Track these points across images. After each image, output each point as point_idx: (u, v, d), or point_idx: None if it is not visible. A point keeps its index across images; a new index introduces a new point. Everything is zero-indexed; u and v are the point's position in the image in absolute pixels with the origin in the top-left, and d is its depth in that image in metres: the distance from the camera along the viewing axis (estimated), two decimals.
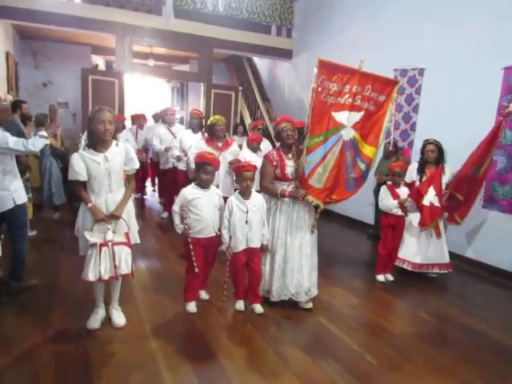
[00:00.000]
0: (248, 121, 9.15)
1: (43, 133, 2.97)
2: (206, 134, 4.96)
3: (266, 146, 5.19)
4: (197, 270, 2.98)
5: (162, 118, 6.24)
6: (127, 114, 7.41)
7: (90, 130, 2.65)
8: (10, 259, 3.28)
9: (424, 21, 5.17)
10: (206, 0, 7.27)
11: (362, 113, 3.19)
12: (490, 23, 4.37)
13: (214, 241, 3.09)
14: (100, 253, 2.50)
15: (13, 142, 2.88)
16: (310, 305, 3.25)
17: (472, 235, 4.55)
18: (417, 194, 3.89)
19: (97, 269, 2.50)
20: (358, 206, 6.24)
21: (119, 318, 2.82)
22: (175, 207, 3.01)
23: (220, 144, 4.58)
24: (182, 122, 9.90)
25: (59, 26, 6.56)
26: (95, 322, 2.75)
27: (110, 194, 2.68)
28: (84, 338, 2.61)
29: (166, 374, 2.29)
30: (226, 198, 3.20)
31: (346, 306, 3.38)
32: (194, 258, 2.97)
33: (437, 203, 3.83)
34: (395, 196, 3.88)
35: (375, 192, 5.13)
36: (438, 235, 3.98)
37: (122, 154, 2.72)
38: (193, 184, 3.07)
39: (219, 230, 3.07)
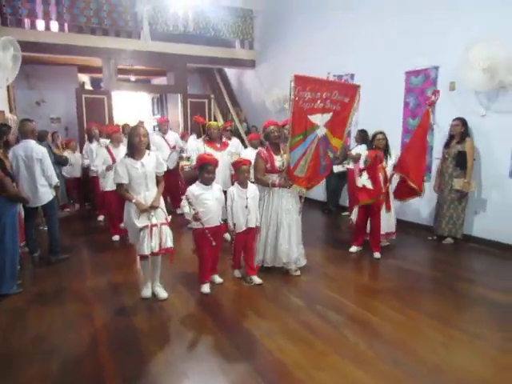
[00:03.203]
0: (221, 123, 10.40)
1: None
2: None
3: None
4: (214, 243, 3.43)
5: (158, 127, 7.05)
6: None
7: (130, 143, 3.28)
8: (47, 242, 4.52)
9: (355, 35, 6.55)
10: (178, 22, 8.49)
11: (331, 113, 3.83)
12: (395, 38, 5.77)
13: (219, 229, 3.56)
14: (151, 232, 3.19)
15: (51, 168, 4.28)
16: (298, 273, 3.94)
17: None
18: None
19: (149, 244, 3.17)
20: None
21: (163, 293, 3.47)
22: (184, 202, 3.40)
23: (218, 145, 5.23)
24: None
25: (53, 54, 7.70)
26: (147, 292, 3.46)
27: (147, 192, 3.31)
28: (113, 285, 3.83)
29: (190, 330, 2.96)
30: (225, 192, 3.67)
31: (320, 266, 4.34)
32: (211, 238, 3.40)
33: (369, 186, 4.38)
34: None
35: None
36: (388, 209, 4.65)
37: (153, 160, 3.34)
38: (197, 182, 3.48)
39: (223, 220, 3.58)
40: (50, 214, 4.43)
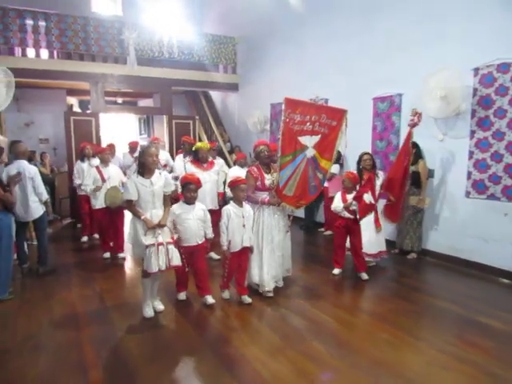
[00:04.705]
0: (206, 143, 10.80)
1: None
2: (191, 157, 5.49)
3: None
4: (187, 268, 3.63)
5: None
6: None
7: (141, 161, 3.40)
8: (35, 255, 4.84)
9: (328, 63, 7.08)
10: (163, 49, 8.96)
11: (319, 136, 3.99)
12: (364, 66, 6.29)
13: (198, 248, 3.67)
14: (158, 251, 3.24)
15: (42, 186, 4.64)
16: (281, 283, 4.15)
17: None
18: (359, 196, 4.45)
19: (157, 263, 3.22)
20: None
21: (159, 305, 3.64)
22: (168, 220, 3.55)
23: (205, 165, 5.27)
24: None
25: (43, 79, 8.05)
26: (150, 310, 3.53)
27: (154, 210, 3.41)
28: (97, 292, 4.13)
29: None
30: (212, 210, 3.99)
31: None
32: (186, 264, 3.59)
33: (372, 201, 4.51)
34: (344, 200, 4.51)
35: None
36: (379, 227, 4.83)
37: (162, 180, 3.46)
38: (180, 201, 3.70)
39: (204, 237, 3.71)
40: (40, 227, 4.79)
